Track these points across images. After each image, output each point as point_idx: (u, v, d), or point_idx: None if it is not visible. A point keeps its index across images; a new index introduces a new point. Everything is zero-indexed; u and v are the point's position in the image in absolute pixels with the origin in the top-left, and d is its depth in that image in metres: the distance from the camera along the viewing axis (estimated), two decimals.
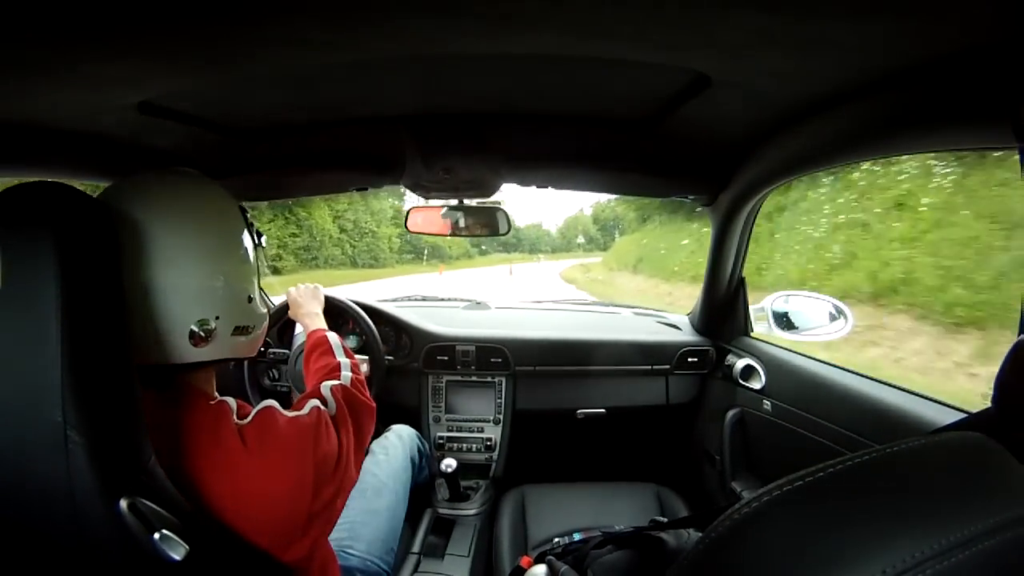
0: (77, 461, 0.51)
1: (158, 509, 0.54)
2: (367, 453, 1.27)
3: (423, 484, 1.46)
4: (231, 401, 0.72)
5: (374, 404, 0.92)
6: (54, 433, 0.51)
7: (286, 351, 1.42)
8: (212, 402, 0.70)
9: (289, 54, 0.69)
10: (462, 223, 1.50)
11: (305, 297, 1.30)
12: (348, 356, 1.02)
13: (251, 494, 0.65)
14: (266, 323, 0.81)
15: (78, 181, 1.04)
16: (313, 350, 1.04)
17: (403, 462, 1.32)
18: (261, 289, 0.80)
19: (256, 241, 0.79)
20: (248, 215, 0.78)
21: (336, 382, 0.89)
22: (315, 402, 0.78)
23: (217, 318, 0.69)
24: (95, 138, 0.92)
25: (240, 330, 0.73)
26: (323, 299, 1.33)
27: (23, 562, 0.54)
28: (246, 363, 1.45)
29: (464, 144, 1.16)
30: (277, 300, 1.61)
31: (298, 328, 1.57)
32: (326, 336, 1.07)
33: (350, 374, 0.94)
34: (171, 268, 0.65)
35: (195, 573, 0.56)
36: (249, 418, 0.70)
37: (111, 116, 0.84)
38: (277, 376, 1.36)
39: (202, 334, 0.68)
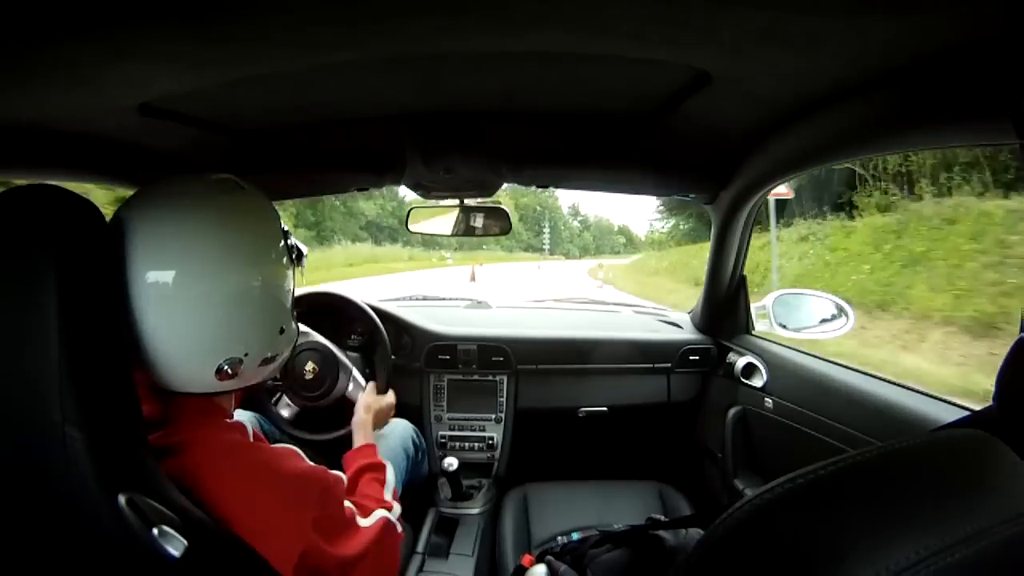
0: (75, 457, 0.52)
1: (156, 505, 0.55)
2: None
3: (422, 480, 1.45)
4: (248, 424, 0.71)
5: (397, 570, 0.89)
6: (52, 430, 0.51)
7: None
8: (229, 420, 0.70)
9: (290, 54, 0.69)
10: (463, 222, 1.51)
11: (380, 418, 1.21)
12: (395, 498, 0.96)
13: (254, 515, 0.64)
14: (293, 343, 0.77)
15: (78, 183, 1.04)
16: (366, 471, 0.98)
17: (392, 453, 1.26)
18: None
19: (295, 261, 0.74)
20: (288, 232, 0.73)
21: (388, 515, 0.86)
22: (350, 505, 0.77)
23: (246, 354, 0.66)
24: (96, 140, 0.92)
25: (267, 360, 0.70)
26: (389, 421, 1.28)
27: (23, 558, 0.55)
28: None
29: (465, 143, 1.16)
30: None
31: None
32: (385, 466, 1.01)
33: (398, 525, 0.90)
34: (207, 300, 0.62)
35: (194, 570, 0.57)
36: (273, 447, 0.70)
37: (112, 118, 0.84)
38: (277, 377, 1.36)
39: (229, 371, 0.65)
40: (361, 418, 1.14)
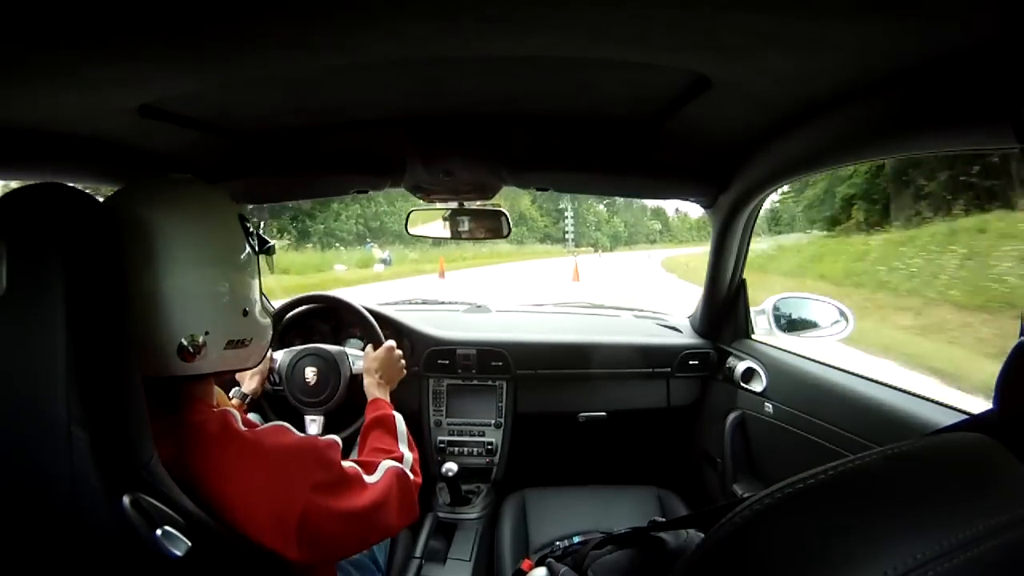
0: (80, 457, 0.52)
1: (160, 506, 0.55)
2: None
3: None
4: (234, 411, 0.71)
5: (418, 512, 0.89)
6: (57, 429, 0.51)
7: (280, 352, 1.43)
8: (215, 409, 0.70)
9: (289, 57, 0.69)
10: (462, 226, 1.51)
11: (386, 367, 1.20)
12: (412, 449, 0.96)
13: (248, 496, 0.64)
14: (268, 334, 0.78)
15: (79, 184, 1.04)
16: (376, 425, 0.98)
17: None
18: (264, 296, 0.78)
19: (257, 249, 0.76)
20: (248, 221, 0.75)
21: (398, 465, 0.86)
22: (353, 465, 0.77)
23: (207, 333, 0.67)
24: (96, 142, 0.92)
25: (234, 344, 0.71)
26: (403, 374, 1.25)
27: (26, 557, 0.55)
28: None
29: (464, 146, 1.16)
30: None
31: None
32: (394, 417, 1.00)
33: (411, 475, 0.89)
34: (157, 279, 0.64)
35: (197, 570, 0.57)
36: (260, 427, 0.70)
37: (112, 119, 0.84)
38: (278, 380, 1.36)
39: (191, 349, 0.66)
40: (368, 383, 1.15)
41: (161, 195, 0.68)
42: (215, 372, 0.71)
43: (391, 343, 1.26)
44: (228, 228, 0.71)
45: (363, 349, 1.32)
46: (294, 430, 0.72)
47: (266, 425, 0.71)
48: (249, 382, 1.28)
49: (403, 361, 1.25)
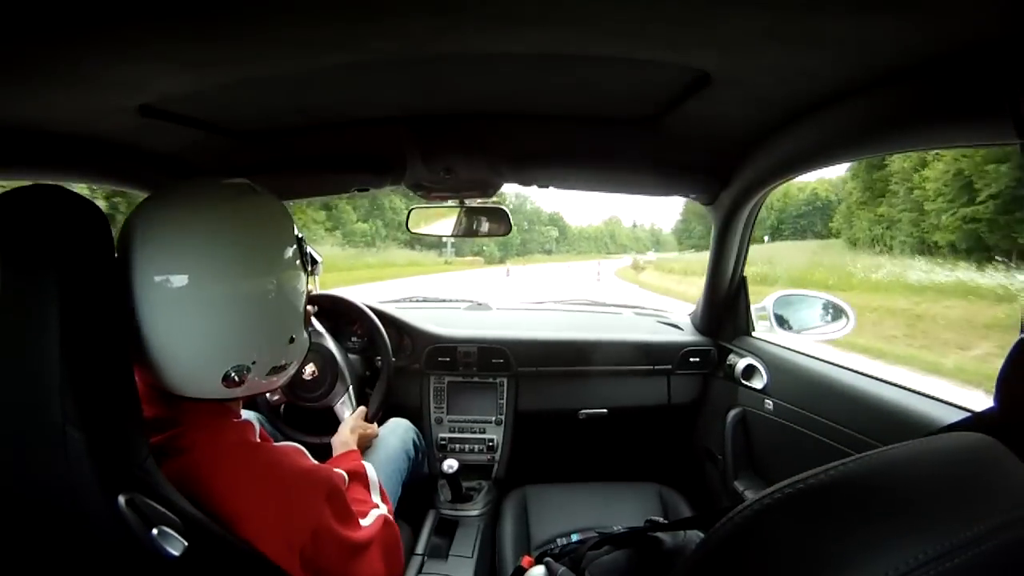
0: (76, 457, 0.52)
1: (156, 506, 0.55)
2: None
3: (422, 479, 1.45)
4: (255, 422, 0.71)
5: (403, 565, 0.88)
6: (53, 429, 0.51)
7: None
8: (236, 420, 0.70)
9: (290, 56, 0.69)
10: (463, 223, 1.51)
11: (361, 443, 1.18)
12: (384, 500, 0.95)
13: (261, 513, 0.64)
14: (305, 351, 0.76)
15: (78, 185, 1.04)
16: (351, 478, 0.94)
17: (393, 453, 1.28)
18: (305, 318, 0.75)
19: (309, 269, 0.73)
20: (303, 238, 0.72)
21: (383, 512, 0.86)
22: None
23: (254, 363, 0.66)
24: (96, 141, 0.92)
25: (275, 370, 0.70)
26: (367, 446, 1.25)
27: (23, 557, 0.55)
28: None
29: (465, 144, 1.16)
30: None
31: None
32: (366, 469, 0.98)
33: (389, 529, 0.87)
34: (218, 309, 0.62)
35: (195, 570, 0.57)
36: (277, 445, 0.71)
37: (112, 119, 0.84)
38: None
39: (236, 379, 0.65)
40: (345, 438, 1.14)
41: (227, 208, 0.65)
42: (247, 395, 0.71)
43: (376, 430, 1.27)
44: (288, 250, 0.69)
45: (362, 398, 1.35)
46: (310, 456, 0.72)
47: (284, 444, 0.71)
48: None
49: (375, 433, 1.26)
